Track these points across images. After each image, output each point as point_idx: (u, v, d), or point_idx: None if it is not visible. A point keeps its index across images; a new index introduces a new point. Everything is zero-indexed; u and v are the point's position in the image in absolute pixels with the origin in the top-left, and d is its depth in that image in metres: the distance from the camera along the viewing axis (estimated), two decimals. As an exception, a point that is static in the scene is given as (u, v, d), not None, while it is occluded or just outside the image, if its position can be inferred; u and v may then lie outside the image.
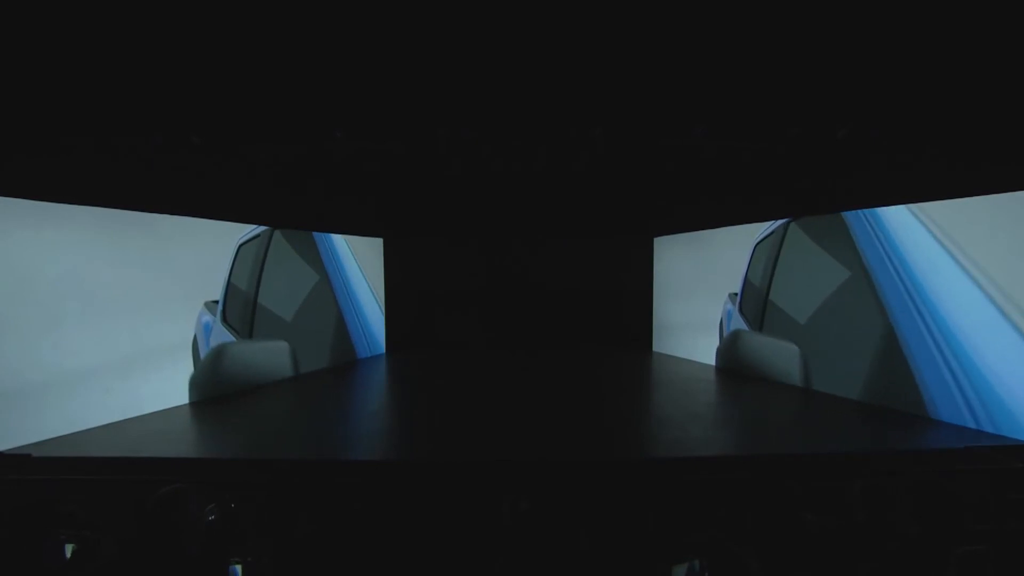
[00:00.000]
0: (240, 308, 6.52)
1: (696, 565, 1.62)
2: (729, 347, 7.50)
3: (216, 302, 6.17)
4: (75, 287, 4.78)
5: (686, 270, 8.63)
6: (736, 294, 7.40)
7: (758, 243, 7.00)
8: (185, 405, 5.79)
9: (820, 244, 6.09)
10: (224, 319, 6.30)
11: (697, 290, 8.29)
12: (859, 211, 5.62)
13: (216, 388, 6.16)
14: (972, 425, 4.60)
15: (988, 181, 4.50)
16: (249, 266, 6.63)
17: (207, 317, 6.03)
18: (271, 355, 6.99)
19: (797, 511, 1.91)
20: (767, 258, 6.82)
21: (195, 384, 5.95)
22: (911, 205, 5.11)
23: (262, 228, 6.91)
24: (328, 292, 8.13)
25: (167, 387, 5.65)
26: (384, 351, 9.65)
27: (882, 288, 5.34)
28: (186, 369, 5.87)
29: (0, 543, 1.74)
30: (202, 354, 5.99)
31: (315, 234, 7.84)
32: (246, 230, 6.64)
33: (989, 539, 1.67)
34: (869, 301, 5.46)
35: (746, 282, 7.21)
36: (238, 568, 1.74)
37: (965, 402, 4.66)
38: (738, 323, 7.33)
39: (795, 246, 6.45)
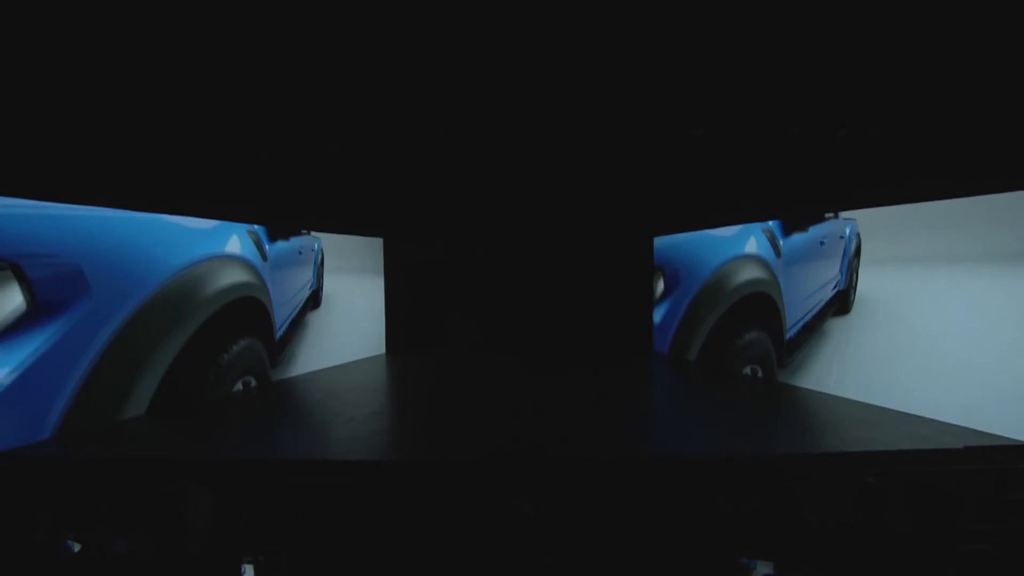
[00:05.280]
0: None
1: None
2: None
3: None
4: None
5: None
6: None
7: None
8: (184, 405, 5.79)
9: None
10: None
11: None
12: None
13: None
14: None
15: (987, 182, 4.51)
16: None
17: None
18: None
19: (798, 511, 1.91)
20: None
21: None
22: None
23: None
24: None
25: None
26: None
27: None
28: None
29: (0, 543, 1.74)
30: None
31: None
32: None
33: (989, 539, 1.67)
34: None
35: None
36: (249, 568, 1.73)
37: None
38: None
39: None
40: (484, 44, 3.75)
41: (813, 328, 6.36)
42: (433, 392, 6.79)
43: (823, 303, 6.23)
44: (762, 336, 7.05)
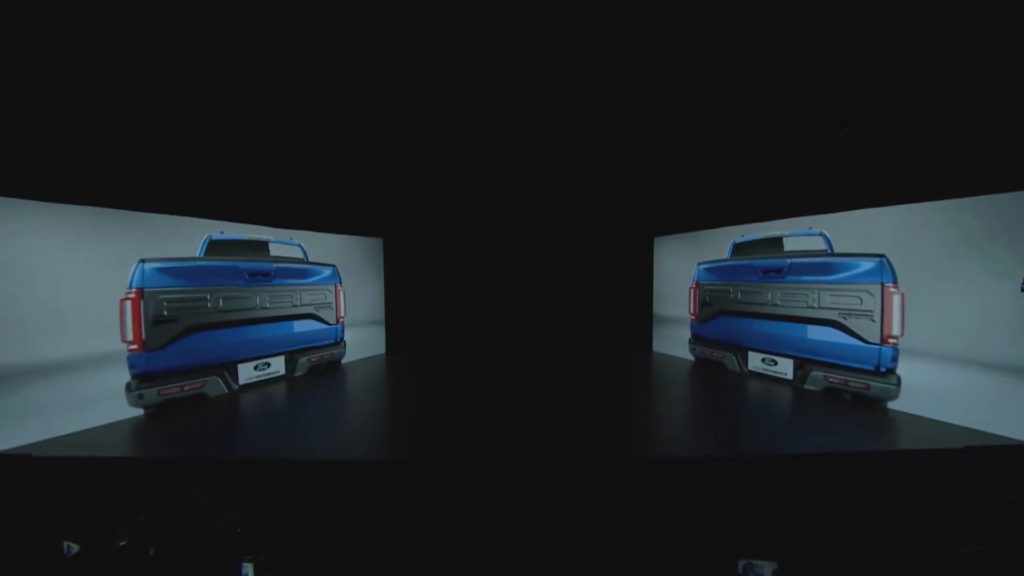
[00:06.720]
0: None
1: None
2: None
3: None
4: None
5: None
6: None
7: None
8: (184, 405, 5.79)
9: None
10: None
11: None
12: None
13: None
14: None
15: (987, 181, 4.51)
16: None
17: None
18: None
19: (798, 512, 1.91)
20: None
21: None
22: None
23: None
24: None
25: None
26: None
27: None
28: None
29: (0, 543, 1.74)
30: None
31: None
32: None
33: (989, 539, 1.67)
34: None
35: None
36: (249, 567, 1.73)
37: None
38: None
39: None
40: (484, 43, 3.75)
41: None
42: (433, 392, 6.79)
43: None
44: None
